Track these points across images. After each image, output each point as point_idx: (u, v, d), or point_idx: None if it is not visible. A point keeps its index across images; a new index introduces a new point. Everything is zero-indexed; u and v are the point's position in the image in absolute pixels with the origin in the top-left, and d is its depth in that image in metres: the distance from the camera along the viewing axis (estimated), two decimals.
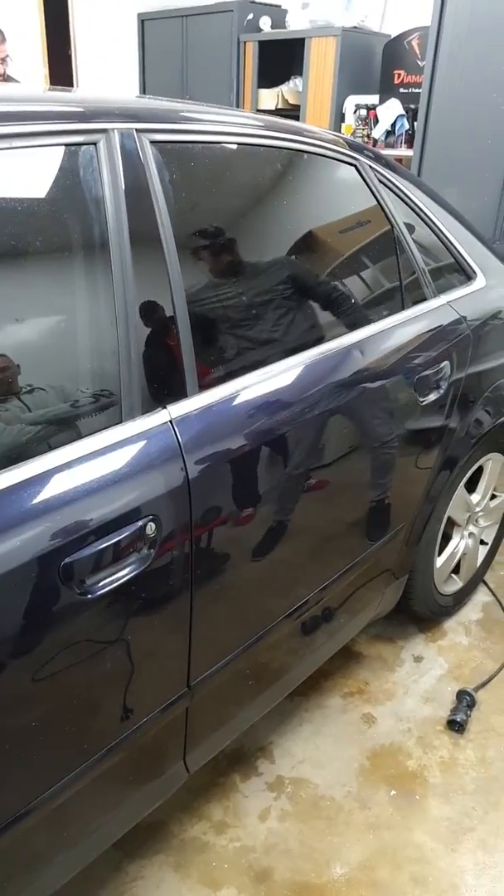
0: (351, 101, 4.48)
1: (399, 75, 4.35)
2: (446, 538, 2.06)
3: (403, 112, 4.28)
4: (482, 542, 2.26)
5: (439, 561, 2.03)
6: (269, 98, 4.98)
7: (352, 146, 1.66)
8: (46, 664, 0.97)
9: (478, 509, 2.12)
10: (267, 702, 1.57)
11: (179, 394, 1.15)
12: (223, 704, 1.41)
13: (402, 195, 1.75)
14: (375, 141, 4.39)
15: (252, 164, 1.43)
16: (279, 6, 5.00)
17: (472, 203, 3.61)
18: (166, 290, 1.14)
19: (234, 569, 1.26)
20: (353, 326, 1.53)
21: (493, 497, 2.20)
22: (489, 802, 1.66)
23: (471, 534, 2.13)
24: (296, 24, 4.69)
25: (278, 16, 4.91)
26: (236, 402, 1.23)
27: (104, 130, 1.08)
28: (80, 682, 1.04)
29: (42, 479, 0.96)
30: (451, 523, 2.04)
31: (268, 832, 1.58)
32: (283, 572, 1.40)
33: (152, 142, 1.15)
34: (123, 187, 1.09)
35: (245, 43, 4.90)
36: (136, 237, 1.09)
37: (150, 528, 1.05)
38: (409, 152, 4.07)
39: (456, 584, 2.18)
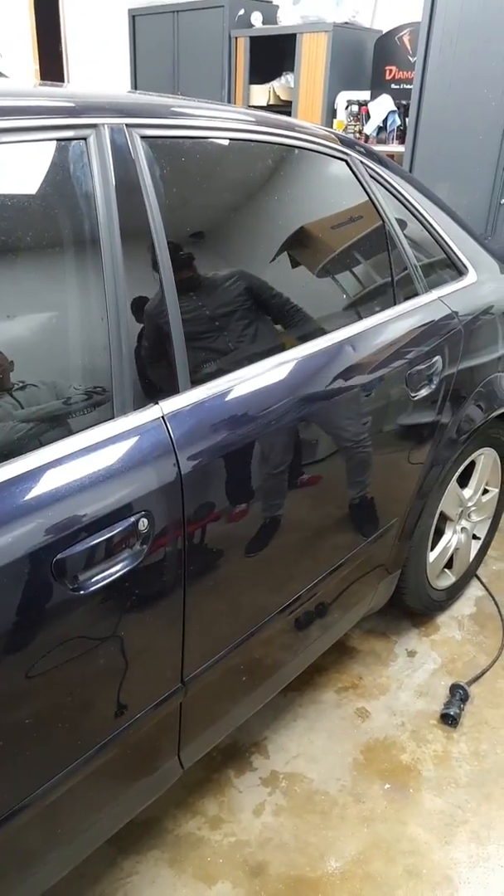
0: (342, 97, 4.48)
1: (390, 71, 4.36)
2: (439, 533, 2.07)
3: (395, 108, 4.28)
4: (475, 537, 2.27)
5: (432, 556, 2.04)
6: (261, 94, 4.97)
7: (343, 141, 1.66)
8: (39, 661, 0.97)
9: (470, 504, 2.13)
10: (261, 697, 1.58)
11: (171, 389, 1.15)
12: (217, 700, 1.41)
13: (394, 190, 1.75)
14: (367, 137, 4.39)
15: (242, 159, 1.42)
16: (270, 2, 5.00)
17: (463, 199, 3.63)
18: (157, 286, 1.14)
19: (226, 564, 1.26)
20: (344, 322, 1.53)
21: (485, 492, 2.21)
22: (482, 795, 1.67)
23: (463, 528, 2.14)
24: (287, 19, 4.68)
25: (269, 11, 4.90)
26: (229, 397, 1.23)
27: (94, 125, 1.08)
28: (73, 679, 1.04)
29: (33, 475, 0.96)
30: (444, 518, 2.05)
31: (262, 827, 1.58)
32: (275, 568, 1.40)
33: (143, 137, 1.15)
34: (114, 182, 1.08)
35: (236, 39, 4.89)
36: (126, 232, 1.09)
37: (143, 523, 1.05)
38: (401, 148, 4.07)
39: (449, 578, 2.19)
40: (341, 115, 4.51)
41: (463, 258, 1.94)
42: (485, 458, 2.12)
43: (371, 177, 1.68)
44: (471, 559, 2.27)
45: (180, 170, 1.25)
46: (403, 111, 4.21)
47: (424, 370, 1.66)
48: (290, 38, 4.57)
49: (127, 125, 1.13)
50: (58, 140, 1.04)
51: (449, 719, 1.83)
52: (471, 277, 1.93)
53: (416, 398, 1.64)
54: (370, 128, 4.37)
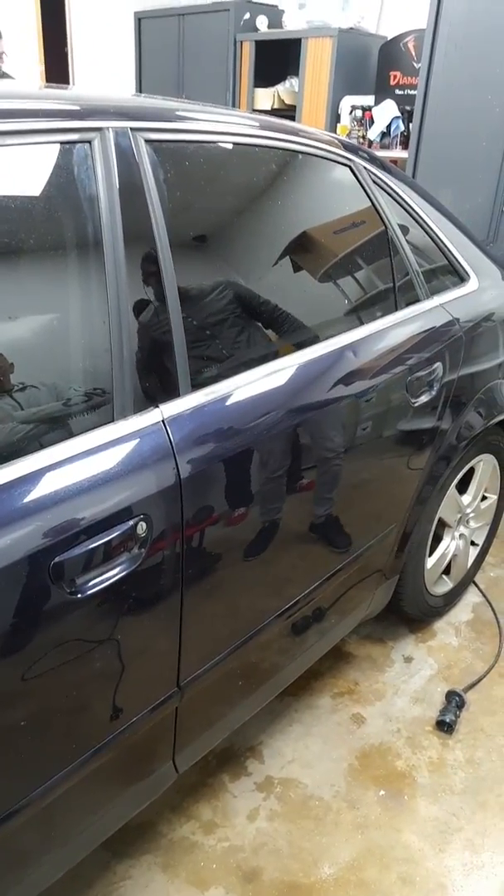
0: (347, 102, 4.49)
1: (395, 76, 4.36)
2: (437, 539, 2.06)
3: (399, 113, 4.29)
4: (473, 544, 2.27)
5: (430, 562, 2.04)
6: (266, 98, 4.99)
7: (346, 147, 1.66)
8: (35, 664, 0.97)
9: (469, 510, 2.13)
10: (257, 702, 1.57)
11: (172, 393, 1.15)
12: (213, 704, 1.41)
13: (397, 196, 1.75)
14: (371, 142, 4.40)
15: (246, 164, 1.43)
16: (276, 6, 5.01)
17: (466, 205, 3.63)
18: (159, 289, 1.14)
19: (224, 569, 1.26)
20: (345, 327, 1.53)
21: (483, 498, 2.21)
22: (477, 803, 1.66)
23: (461, 535, 2.14)
24: (292, 24, 4.69)
25: (275, 16, 4.91)
26: (229, 401, 1.23)
27: (99, 129, 1.08)
28: (69, 682, 1.04)
29: (32, 477, 0.96)
30: (442, 524, 2.05)
31: (256, 832, 1.58)
32: (273, 572, 1.40)
33: (147, 140, 1.15)
34: (118, 186, 1.09)
35: (241, 42, 4.90)
36: (129, 235, 1.09)
37: (141, 527, 1.05)
38: (404, 153, 4.08)
39: (446, 585, 2.19)
40: (345, 120, 4.52)
41: (465, 265, 1.94)
42: (484, 464, 2.12)
43: (374, 182, 1.68)
44: (469, 565, 2.27)
45: (184, 174, 1.25)
46: (407, 117, 4.22)
47: (425, 376, 1.66)
48: (296, 42, 4.58)
49: (131, 129, 1.13)
50: (62, 143, 1.04)
51: (445, 726, 1.83)
52: (472, 284, 1.93)
53: (416, 404, 1.64)
54: (374, 133, 4.38)
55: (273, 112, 4.90)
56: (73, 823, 1.18)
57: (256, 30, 4.89)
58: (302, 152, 1.51)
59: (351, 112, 4.48)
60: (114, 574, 1.03)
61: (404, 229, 1.75)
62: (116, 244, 1.07)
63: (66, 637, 1.00)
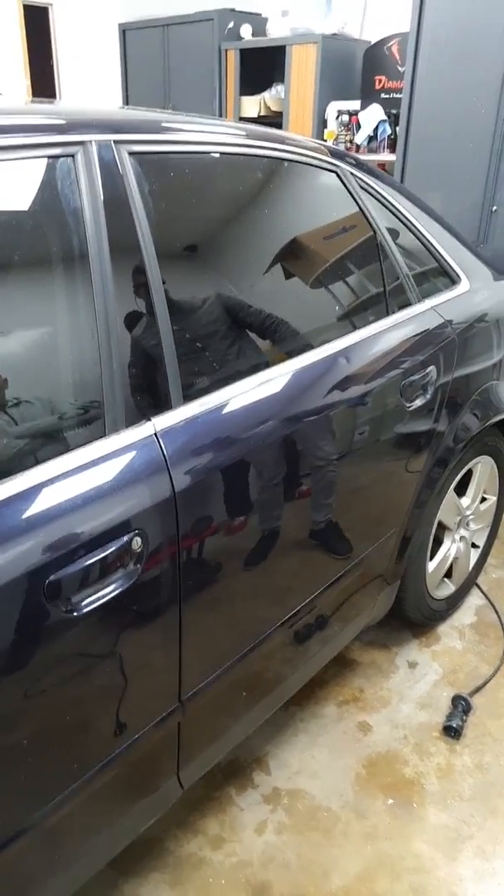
0: (333, 108, 4.51)
1: (380, 81, 4.38)
2: (438, 542, 2.05)
3: (385, 117, 4.30)
4: (474, 546, 2.25)
5: (431, 565, 2.03)
6: (252, 105, 5.00)
7: (333, 153, 1.66)
8: (33, 683, 0.96)
9: (468, 513, 2.12)
10: (261, 714, 1.56)
11: (164, 405, 1.14)
12: (216, 718, 1.40)
13: (384, 201, 1.75)
14: (358, 146, 4.41)
15: (232, 173, 1.42)
16: (259, 14, 5.03)
17: (455, 207, 3.64)
18: (148, 301, 1.13)
19: (222, 581, 1.25)
20: (337, 334, 1.52)
21: (483, 500, 2.20)
22: (487, 809, 1.65)
23: (462, 537, 2.13)
24: (276, 31, 4.71)
25: (259, 24, 4.93)
26: (222, 412, 1.22)
27: (81, 143, 1.07)
28: (68, 700, 1.02)
29: (24, 495, 0.94)
30: (442, 527, 2.04)
31: (265, 845, 1.56)
32: (272, 582, 1.39)
33: (131, 153, 1.14)
34: (102, 199, 1.08)
35: (226, 51, 4.92)
36: (115, 249, 1.08)
37: (137, 542, 1.04)
38: (392, 157, 4.09)
39: (449, 588, 2.18)
40: (332, 126, 4.54)
41: (455, 267, 1.93)
42: (482, 466, 2.11)
43: (361, 188, 1.68)
44: (470, 568, 2.26)
45: (169, 185, 1.25)
46: (394, 120, 4.24)
47: (419, 380, 1.65)
48: (280, 49, 4.60)
49: (115, 141, 1.12)
50: (46, 157, 1.04)
51: (451, 731, 1.81)
52: (464, 286, 1.93)
53: (411, 408, 1.63)
54: (361, 137, 4.39)
55: (260, 119, 4.92)
56: (77, 844, 1.16)
57: (241, 38, 4.91)
58: (288, 160, 1.51)
59: (337, 117, 4.49)
60: (110, 591, 1.01)
61: (393, 233, 1.74)
62: (103, 257, 1.06)
63: (64, 656, 0.99)
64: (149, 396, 1.13)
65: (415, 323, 1.71)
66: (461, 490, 2.08)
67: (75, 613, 0.97)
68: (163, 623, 1.14)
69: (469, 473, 2.09)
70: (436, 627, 2.19)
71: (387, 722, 1.87)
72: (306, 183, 1.61)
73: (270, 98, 4.98)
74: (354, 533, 1.60)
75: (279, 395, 1.34)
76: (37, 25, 5.11)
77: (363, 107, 4.39)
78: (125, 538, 1.02)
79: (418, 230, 1.84)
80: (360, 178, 1.69)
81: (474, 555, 2.26)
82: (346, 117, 4.47)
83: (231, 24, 4.89)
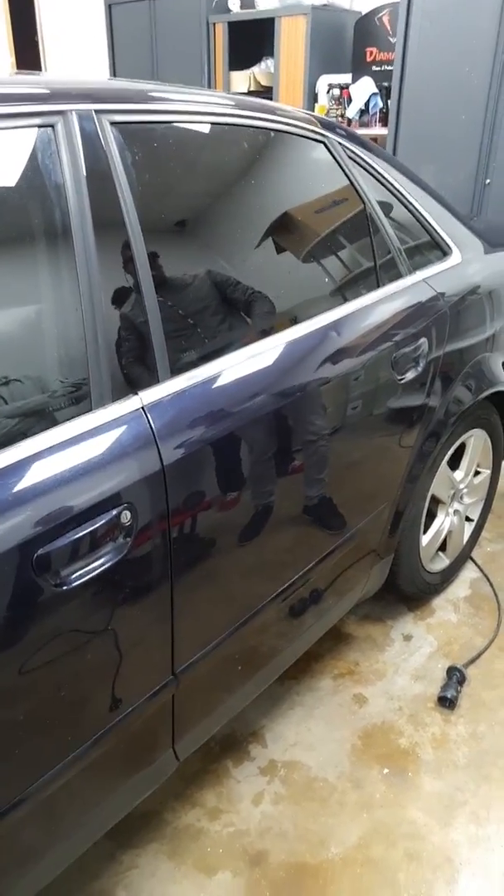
0: (324, 81, 4.45)
1: (371, 53, 4.32)
2: (431, 516, 2.06)
3: (377, 90, 4.25)
4: (468, 519, 2.26)
5: (425, 539, 2.03)
6: (241, 80, 4.93)
7: (322, 124, 1.63)
8: (25, 658, 0.96)
9: (462, 486, 2.12)
10: (256, 687, 1.57)
11: (151, 379, 1.13)
12: (211, 691, 1.41)
13: (374, 172, 1.72)
14: (350, 120, 4.36)
15: (216, 143, 1.40)
16: None
17: (448, 179, 3.60)
18: (133, 274, 1.12)
19: (213, 554, 1.25)
20: (327, 306, 1.51)
21: (476, 473, 2.20)
22: (481, 776, 1.67)
23: (456, 511, 2.13)
24: (265, 3, 4.63)
25: None
26: (211, 385, 1.21)
27: (61, 112, 1.06)
28: (61, 675, 1.03)
29: (11, 470, 0.94)
30: (436, 501, 2.04)
31: (262, 816, 1.58)
32: (264, 556, 1.39)
33: (112, 123, 1.13)
34: (84, 170, 1.06)
35: (214, 24, 4.84)
36: (98, 221, 1.07)
37: (126, 516, 1.04)
38: (384, 131, 4.04)
39: (443, 561, 2.18)
40: (323, 100, 4.48)
41: (447, 239, 1.92)
42: (475, 439, 2.11)
43: (351, 159, 1.66)
44: (464, 541, 2.26)
45: (153, 156, 1.23)
46: (385, 93, 4.18)
47: (410, 353, 1.64)
48: (269, 22, 4.52)
49: (96, 111, 1.10)
50: (24, 128, 1.02)
51: (446, 702, 1.83)
52: (455, 258, 1.91)
53: (402, 381, 1.63)
54: (352, 111, 4.33)
55: (250, 95, 4.84)
56: (75, 815, 1.17)
57: (228, 11, 4.83)
58: (274, 130, 1.49)
59: (328, 91, 4.43)
60: (100, 565, 1.01)
61: (384, 205, 1.72)
62: (86, 230, 1.05)
63: (55, 630, 0.99)
64: (135, 371, 1.12)
65: (406, 295, 1.70)
66: (455, 464, 2.08)
67: (65, 587, 0.98)
68: (154, 596, 1.14)
69: (462, 447, 2.09)
70: (430, 601, 2.21)
71: (382, 694, 1.88)
72: (293, 153, 1.58)
73: (260, 73, 4.91)
74: (346, 507, 1.60)
75: (269, 368, 1.33)
76: (21, 2, 5.02)
77: (354, 80, 4.33)
78: (114, 512, 1.02)
79: (409, 202, 1.82)
80: (350, 149, 1.67)
81: (468, 528, 2.27)
82: (337, 91, 4.41)
83: None
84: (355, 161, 1.67)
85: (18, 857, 1.10)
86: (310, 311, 1.47)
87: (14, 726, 0.99)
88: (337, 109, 4.42)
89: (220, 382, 1.23)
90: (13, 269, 1.05)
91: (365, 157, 1.71)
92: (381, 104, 4.25)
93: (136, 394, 1.11)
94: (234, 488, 1.26)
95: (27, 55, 5.13)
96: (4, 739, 0.98)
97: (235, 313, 1.37)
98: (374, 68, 4.30)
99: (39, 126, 1.03)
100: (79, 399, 1.05)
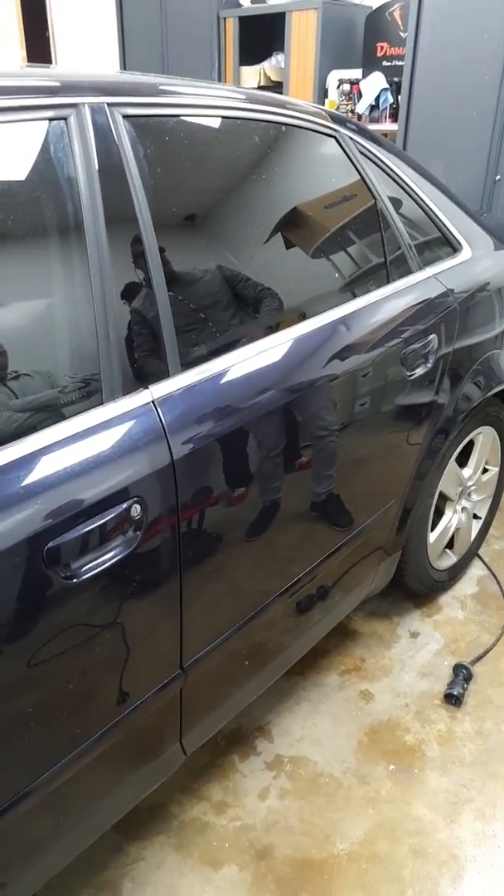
0: (334, 76, 4.42)
1: (382, 48, 4.29)
2: (439, 513, 2.05)
3: (387, 85, 4.22)
4: (475, 517, 2.26)
5: (432, 536, 2.03)
6: (252, 76, 4.91)
7: (334, 118, 1.63)
8: (34, 650, 0.96)
9: (470, 483, 2.12)
10: (263, 681, 1.57)
11: (161, 373, 1.14)
12: (218, 685, 1.41)
13: (386, 167, 1.72)
14: (360, 116, 4.33)
15: (227, 137, 1.40)
16: None
17: (458, 175, 3.58)
18: (144, 269, 1.12)
19: (222, 549, 1.25)
20: (337, 301, 1.51)
21: (485, 471, 2.20)
22: (487, 773, 1.67)
23: (463, 508, 2.13)
24: None
25: None
26: (221, 380, 1.21)
27: (74, 105, 1.06)
28: (70, 667, 1.03)
29: (22, 463, 0.94)
30: (444, 498, 2.04)
31: (268, 810, 1.58)
32: (273, 551, 1.39)
33: (125, 116, 1.13)
34: (96, 163, 1.06)
35: (225, 19, 4.82)
36: (110, 215, 1.07)
37: (136, 509, 1.04)
38: (394, 126, 4.02)
39: (450, 559, 2.18)
40: (333, 95, 4.45)
41: (457, 235, 1.91)
42: (484, 436, 2.10)
43: (362, 154, 1.65)
44: (472, 539, 2.26)
45: (165, 149, 1.23)
46: (396, 89, 4.15)
47: (420, 349, 1.64)
48: (280, 16, 4.49)
49: (108, 104, 1.10)
50: (36, 120, 1.02)
51: (453, 699, 1.83)
52: (465, 254, 1.91)
53: (412, 377, 1.62)
54: (362, 106, 4.31)
55: (260, 90, 4.82)
56: (83, 807, 1.18)
57: (239, 5, 4.80)
58: (286, 124, 1.48)
59: (338, 86, 4.41)
60: (110, 558, 1.02)
61: (394, 200, 1.72)
62: (98, 224, 1.05)
63: (64, 623, 1.00)
64: (146, 365, 1.13)
65: (416, 291, 1.69)
66: (463, 461, 2.07)
67: (75, 580, 0.98)
68: (163, 590, 1.14)
69: (471, 444, 2.08)
70: (437, 598, 2.20)
71: (388, 690, 1.88)
72: (304, 148, 1.58)
73: (270, 68, 4.88)
74: (354, 503, 1.60)
75: (278, 363, 1.33)
76: None
77: (365, 75, 4.30)
78: (124, 505, 1.02)
79: (419, 197, 1.81)
80: (361, 144, 1.66)
81: (476, 526, 2.27)
82: (347, 86, 4.38)
83: None
84: (366, 156, 1.67)
85: (27, 848, 1.10)
86: (319, 307, 1.47)
87: (23, 718, 0.99)
88: (347, 105, 4.39)
89: (230, 377, 1.23)
90: (25, 263, 1.05)
91: (375, 152, 1.71)
92: (391, 99, 4.23)
93: (147, 388, 1.11)
94: (243, 483, 1.26)
95: (38, 49, 5.12)
96: (13, 731, 0.99)
97: (245, 308, 1.37)
98: (385, 63, 4.28)
99: (52, 119, 1.03)
100: (90, 393, 1.05)
